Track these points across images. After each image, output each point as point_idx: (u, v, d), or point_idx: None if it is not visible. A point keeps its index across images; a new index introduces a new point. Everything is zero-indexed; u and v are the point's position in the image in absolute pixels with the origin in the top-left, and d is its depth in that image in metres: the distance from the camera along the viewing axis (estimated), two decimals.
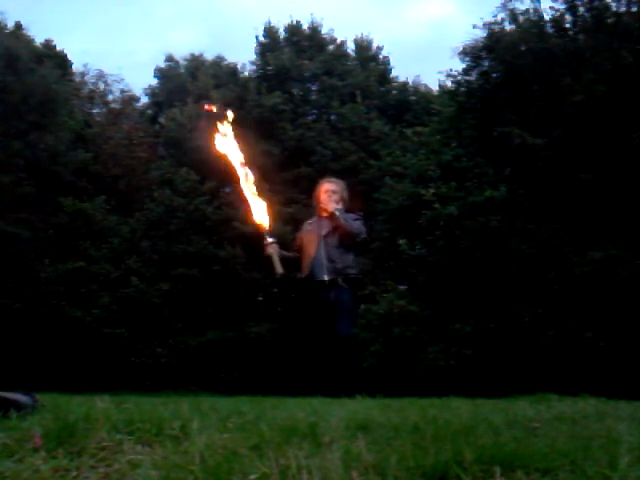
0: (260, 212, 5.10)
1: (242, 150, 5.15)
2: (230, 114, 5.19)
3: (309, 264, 5.01)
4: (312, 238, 5.08)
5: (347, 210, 5.23)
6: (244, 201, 5.14)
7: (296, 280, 5.15)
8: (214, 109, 5.28)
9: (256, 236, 5.30)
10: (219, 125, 5.14)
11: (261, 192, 5.23)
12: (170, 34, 35.56)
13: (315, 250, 5.00)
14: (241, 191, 5.13)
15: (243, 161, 5.12)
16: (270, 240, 4.99)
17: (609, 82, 11.10)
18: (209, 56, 20.61)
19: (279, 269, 4.94)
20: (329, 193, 5.09)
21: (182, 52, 25.28)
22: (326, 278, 4.92)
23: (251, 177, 5.12)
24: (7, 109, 14.20)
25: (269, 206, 5.20)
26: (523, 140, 11.42)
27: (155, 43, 42.85)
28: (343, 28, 40.27)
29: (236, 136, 5.18)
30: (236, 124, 5.27)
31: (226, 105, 5.57)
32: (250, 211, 5.10)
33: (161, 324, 14.19)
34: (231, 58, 19.82)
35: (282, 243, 5.39)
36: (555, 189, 11.47)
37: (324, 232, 5.04)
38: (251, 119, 16.26)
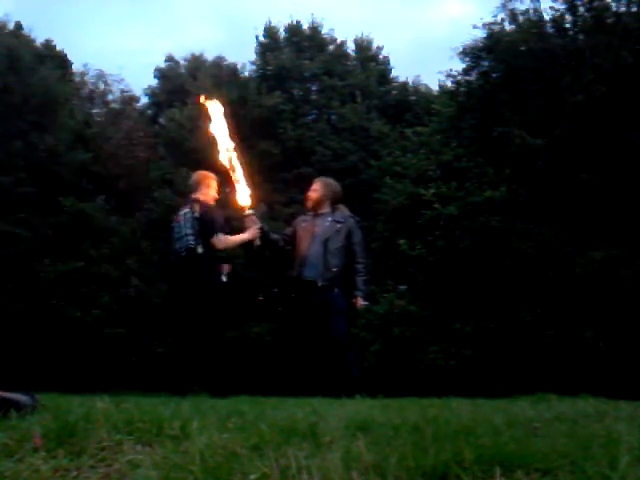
0: (244, 196, 5.28)
1: (230, 137, 5.37)
2: (219, 106, 5.39)
3: (300, 262, 4.99)
4: (306, 235, 5.07)
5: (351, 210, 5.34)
6: (230, 185, 5.32)
7: (286, 277, 5.27)
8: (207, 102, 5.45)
9: (238, 217, 5.48)
10: (210, 111, 5.42)
11: (248, 177, 5.40)
12: (183, 34, 35.41)
13: (307, 248, 4.98)
14: (227, 174, 5.30)
15: (230, 146, 5.32)
16: (250, 212, 5.20)
17: (609, 82, 11.10)
18: (209, 56, 20.57)
19: (257, 241, 5.15)
20: (311, 191, 5.30)
21: (183, 52, 25.16)
22: (320, 283, 4.90)
23: (237, 162, 5.31)
24: (8, 109, 14.19)
25: (254, 189, 5.37)
26: (523, 140, 11.42)
27: (168, 43, 42.80)
28: (351, 28, 39.96)
29: (225, 119, 5.41)
30: (226, 114, 5.44)
31: (226, 105, 5.67)
32: (235, 195, 5.28)
33: (161, 324, 14.16)
34: (232, 58, 19.78)
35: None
36: (555, 189, 11.47)
37: (320, 231, 5.03)
38: (251, 119, 16.26)
